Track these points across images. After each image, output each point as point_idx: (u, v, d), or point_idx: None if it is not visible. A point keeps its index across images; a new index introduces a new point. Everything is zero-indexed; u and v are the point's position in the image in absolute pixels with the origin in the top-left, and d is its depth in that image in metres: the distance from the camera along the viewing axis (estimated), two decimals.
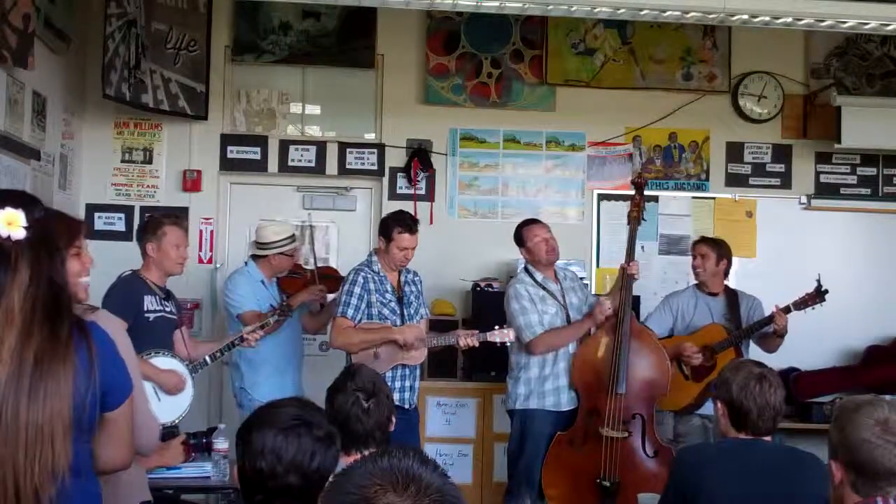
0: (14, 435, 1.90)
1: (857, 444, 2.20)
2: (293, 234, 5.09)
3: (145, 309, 4.23)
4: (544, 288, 4.81)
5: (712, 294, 4.99)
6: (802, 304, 4.73)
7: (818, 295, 4.70)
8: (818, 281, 4.68)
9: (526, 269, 4.91)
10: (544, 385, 4.73)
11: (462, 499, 1.18)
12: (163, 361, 4.23)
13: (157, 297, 4.32)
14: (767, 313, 4.80)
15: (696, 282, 5.06)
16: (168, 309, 4.37)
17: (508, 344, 4.64)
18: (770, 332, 4.75)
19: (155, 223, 4.38)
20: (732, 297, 4.98)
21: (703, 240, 5.12)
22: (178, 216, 4.72)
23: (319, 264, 5.39)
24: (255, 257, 5.05)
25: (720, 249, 4.99)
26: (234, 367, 5.03)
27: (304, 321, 5.18)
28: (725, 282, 5.05)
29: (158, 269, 4.34)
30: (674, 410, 5.03)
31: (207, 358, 4.46)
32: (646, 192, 6.22)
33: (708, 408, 4.76)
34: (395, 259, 4.58)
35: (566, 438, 4.72)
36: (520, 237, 4.92)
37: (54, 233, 2.10)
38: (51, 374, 1.95)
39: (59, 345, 1.97)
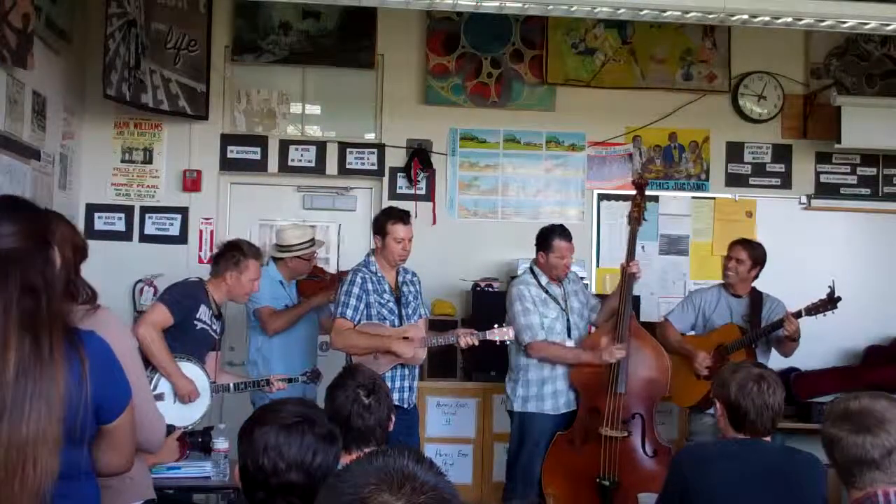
0: None
1: (826, 439, 2.31)
2: (313, 238, 5.17)
3: (197, 316, 4.32)
4: (547, 292, 4.81)
5: (736, 295, 4.93)
6: (814, 309, 4.63)
7: (831, 301, 4.60)
8: (831, 287, 4.60)
9: (532, 271, 4.90)
10: (543, 388, 4.74)
11: (458, 496, 1.18)
12: (189, 368, 4.29)
13: (212, 314, 4.42)
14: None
15: (723, 281, 5.00)
16: (214, 327, 4.47)
17: (508, 342, 4.64)
18: (783, 335, 4.73)
19: (241, 254, 4.46)
20: (757, 299, 4.91)
21: (742, 243, 4.97)
22: (259, 250, 4.69)
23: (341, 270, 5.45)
24: (274, 259, 5.13)
25: (756, 256, 4.89)
26: (251, 364, 5.11)
27: (324, 322, 5.21)
28: (753, 284, 4.97)
29: (226, 293, 4.48)
30: (685, 407, 5.06)
31: (232, 385, 4.56)
32: (646, 192, 6.29)
33: None
34: (395, 253, 4.56)
35: (566, 438, 4.74)
36: (548, 244, 4.81)
37: (37, 238, 2.02)
38: (36, 390, 1.88)
39: (43, 359, 1.90)
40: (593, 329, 5.00)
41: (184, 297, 4.29)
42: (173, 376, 4.18)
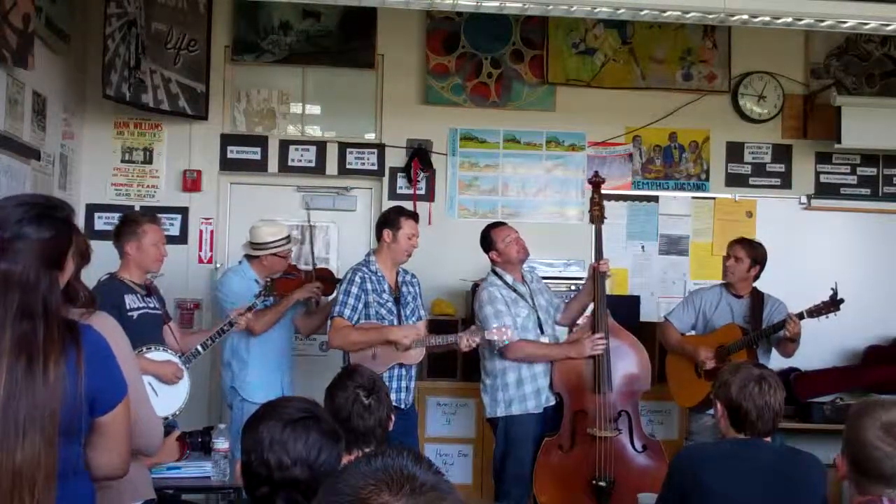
0: None
1: (859, 445, 2.26)
2: (288, 235, 5.06)
3: (127, 308, 4.23)
4: (515, 290, 4.79)
5: (737, 296, 4.94)
6: (817, 311, 4.63)
7: (833, 303, 4.60)
8: (833, 289, 4.59)
9: (495, 272, 4.85)
10: (524, 388, 4.70)
11: (458, 496, 1.18)
12: (157, 355, 4.24)
13: (139, 295, 4.33)
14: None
15: (724, 281, 5.01)
16: (151, 305, 4.38)
17: (506, 342, 4.61)
18: (783, 336, 4.72)
19: (134, 223, 4.41)
20: (758, 299, 4.91)
21: (741, 242, 4.98)
22: (155, 215, 4.73)
23: (317, 265, 5.39)
24: (248, 257, 5.04)
25: (755, 255, 4.89)
26: (226, 366, 5.04)
27: (298, 322, 5.15)
28: (754, 284, 4.97)
29: (138, 267, 4.36)
30: (687, 407, 5.08)
31: (199, 347, 4.49)
32: (646, 193, 6.30)
33: None
34: (405, 248, 4.60)
35: (554, 443, 4.70)
36: (488, 240, 4.87)
37: (51, 259, 2.01)
38: (29, 415, 1.87)
39: (36, 383, 1.89)
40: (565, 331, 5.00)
41: (106, 300, 4.05)
42: (149, 370, 4.09)
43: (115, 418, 2.11)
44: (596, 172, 5.27)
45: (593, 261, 4.89)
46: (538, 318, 4.79)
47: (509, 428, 4.70)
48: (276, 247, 4.97)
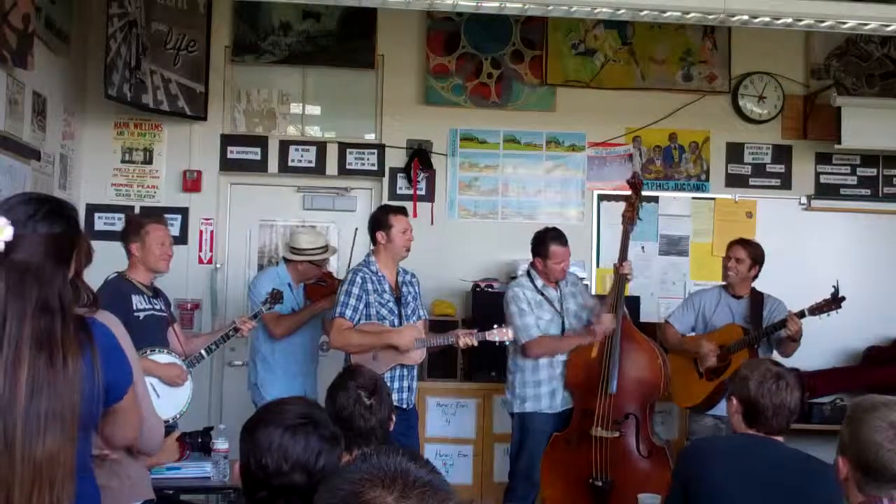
0: (9, 469, 1.82)
1: (866, 446, 2.22)
2: (326, 245, 5.18)
3: (134, 308, 4.23)
4: (542, 294, 4.82)
5: (737, 296, 4.94)
6: (818, 309, 4.63)
7: (834, 301, 4.60)
8: (835, 287, 4.60)
9: (528, 274, 4.90)
10: (540, 388, 4.76)
11: (452, 493, 1.18)
12: (161, 358, 4.25)
13: (145, 296, 4.33)
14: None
15: (723, 282, 5.00)
16: (158, 307, 4.38)
17: (507, 343, 4.64)
18: (784, 335, 4.71)
19: (137, 223, 4.42)
20: (757, 299, 4.91)
21: (740, 242, 4.97)
22: (160, 215, 4.76)
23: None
24: (286, 260, 5.12)
25: (755, 254, 4.90)
26: (251, 363, 5.12)
27: (328, 326, 5.19)
28: (753, 284, 4.97)
29: (144, 268, 4.35)
30: (687, 407, 5.07)
31: (203, 352, 4.51)
32: (646, 193, 6.29)
33: (721, 408, 4.75)
34: (400, 245, 4.59)
35: (562, 438, 4.76)
36: (544, 249, 4.78)
37: (62, 255, 2.02)
38: (50, 409, 1.87)
39: (57, 377, 1.89)
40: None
41: (112, 299, 4.05)
42: (153, 371, 4.11)
43: (125, 403, 2.16)
44: (635, 173, 5.24)
45: (616, 262, 4.89)
46: (563, 322, 4.82)
47: (525, 423, 4.79)
48: (312, 255, 5.06)
